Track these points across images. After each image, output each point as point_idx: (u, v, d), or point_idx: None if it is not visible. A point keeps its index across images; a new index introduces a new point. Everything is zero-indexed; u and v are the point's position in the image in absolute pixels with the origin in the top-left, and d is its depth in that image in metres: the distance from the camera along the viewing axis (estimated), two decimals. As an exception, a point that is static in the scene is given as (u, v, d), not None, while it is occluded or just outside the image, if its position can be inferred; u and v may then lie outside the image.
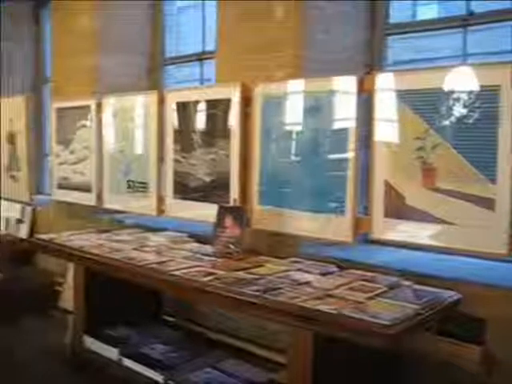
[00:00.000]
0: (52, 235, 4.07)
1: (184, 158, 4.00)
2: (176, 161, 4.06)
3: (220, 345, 3.78)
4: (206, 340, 3.88)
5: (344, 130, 3.13)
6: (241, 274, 2.96)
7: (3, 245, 5.32)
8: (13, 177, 6.32)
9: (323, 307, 2.36)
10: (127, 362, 3.54)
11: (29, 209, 6.18)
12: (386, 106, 2.95)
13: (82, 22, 5.28)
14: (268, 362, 3.48)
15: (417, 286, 2.77)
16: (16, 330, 4.77)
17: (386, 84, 2.95)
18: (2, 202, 6.61)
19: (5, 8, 7.02)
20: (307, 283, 2.79)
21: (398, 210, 2.91)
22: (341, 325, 2.26)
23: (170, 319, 4.25)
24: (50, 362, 4.15)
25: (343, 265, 3.19)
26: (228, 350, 3.68)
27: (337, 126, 3.19)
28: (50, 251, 4.03)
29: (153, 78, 5.39)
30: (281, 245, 3.54)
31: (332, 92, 3.19)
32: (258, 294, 2.59)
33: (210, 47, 4.82)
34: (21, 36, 7.17)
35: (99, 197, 4.84)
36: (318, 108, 3.25)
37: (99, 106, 4.79)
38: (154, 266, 3.20)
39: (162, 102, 4.19)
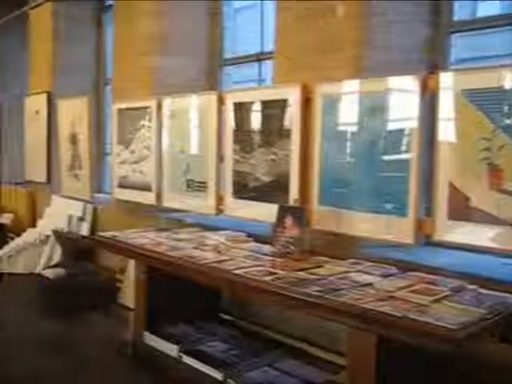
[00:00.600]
0: (114, 233, 4.16)
1: (243, 157, 4.03)
2: (235, 160, 4.10)
3: (276, 344, 3.80)
4: (263, 339, 3.90)
5: (406, 131, 3.10)
6: (301, 274, 2.97)
7: (66, 242, 5.49)
8: (75, 176, 6.51)
9: (387, 309, 2.34)
10: (186, 359, 3.59)
11: (90, 207, 6.36)
12: (450, 105, 2.89)
13: (143, 25, 5.39)
14: (325, 363, 3.47)
15: (482, 290, 2.70)
16: (78, 324, 4.91)
17: (450, 83, 2.89)
18: (65, 200, 6.82)
19: (68, 11, 7.25)
20: (369, 285, 2.76)
21: (462, 211, 2.85)
22: (405, 328, 2.23)
23: (227, 318, 4.28)
24: (111, 357, 4.24)
25: (403, 266, 3.15)
26: (284, 350, 3.69)
27: (398, 126, 3.16)
28: (113, 248, 4.13)
29: (211, 78, 5.46)
30: (339, 245, 3.52)
31: (393, 92, 3.15)
32: (319, 294, 2.58)
33: (268, 48, 4.84)
34: (83, 39, 7.39)
35: (158, 196, 4.93)
36: (378, 108, 3.22)
37: (159, 106, 4.88)
38: (214, 264, 3.24)
39: (221, 102, 4.23)
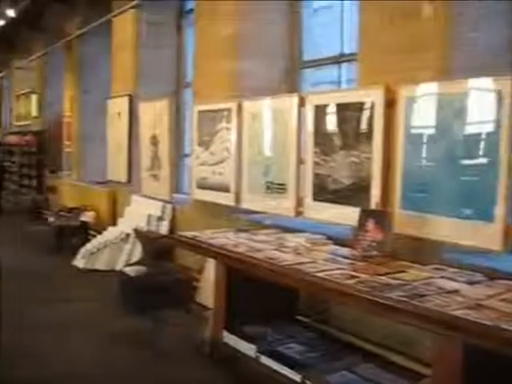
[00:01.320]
0: (194, 233, 4.25)
1: (324, 160, 4.02)
2: (316, 163, 4.09)
3: (354, 348, 3.76)
4: (341, 342, 3.87)
5: (494, 134, 2.99)
6: (384, 278, 2.93)
7: (146, 240, 5.65)
8: (154, 176, 6.69)
9: (476, 318, 2.28)
10: (264, 360, 3.61)
11: (169, 207, 6.51)
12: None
13: (223, 28, 5.47)
14: (404, 370, 3.40)
15: None
16: (157, 321, 5.03)
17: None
18: (145, 199, 7.02)
19: (149, 17, 7.47)
20: (455, 292, 2.69)
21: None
22: (496, 337, 2.17)
23: (305, 320, 4.28)
24: (189, 354, 4.33)
25: (489, 274, 3.05)
26: (362, 354, 3.65)
27: (484, 129, 3.05)
28: (194, 248, 4.21)
29: (290, 80, 5.47)
30: (421, 250, 3.45)
31: (481, 94, 3.06)
32: (404, 299, 2.54)
33: (347, 49, 4.82)
34: (163, 43, 7.59)
35: (237, 197, 4.99)
36: (463, 110, 3.13)
37: (239, 108, 4.94)
38: (296, 266, 3.25)
39: (302, 104, 4.24)
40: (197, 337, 4.56)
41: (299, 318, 4.30)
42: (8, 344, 4.26)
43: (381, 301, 2.59)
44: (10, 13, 9.84)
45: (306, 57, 5.48)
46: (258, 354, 3.66)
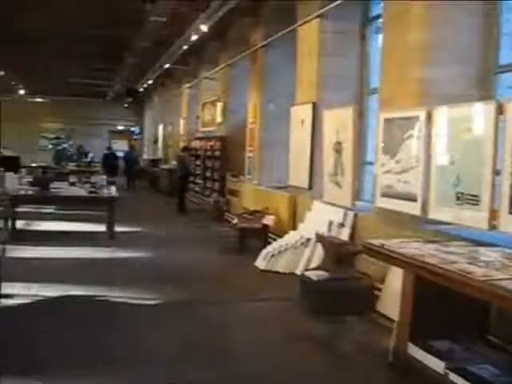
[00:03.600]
0: (382, 241, 4.21)
1: (525, 172, 3.77)
2: (513, 174, 3.85)
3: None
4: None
5: None
6: None
7: (329, 246, 5.71)
8: (336, 183, 6.75)
9: None
10: (454, 378, 3.47)
11: (351, 214, 6.53)
12: None
13: (413, 35, 5.37)
14: None
15: None
16: (338, 326, 5.08)
17: None
18: (325, 205, 7.12)
19: (334, 26, 7.58)
20: None
21: None
22: None
23: (496, 341, 4.05)
24: (370, 363, 4.31)
25: None
26: None
27: None
28: (381, 256, 4.17)
29: (484, 87, 5.21)
30: None
31: None
32: None
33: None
34: (347, 51, 7.66)
35: (424, 207, 4.86)
36: None
37: (429, 116, 4.80)
38: (495, 282, 3.08)
39: (500, 112, 4.01)
40: (378, 346, 4.53)
41: (490, 338, 4.08)
42: (197, 342, 4.61)
43: None
44: (204, 28, 10.53)
45: (504, 61, 5.18)
46: (447, 371, 3.54)
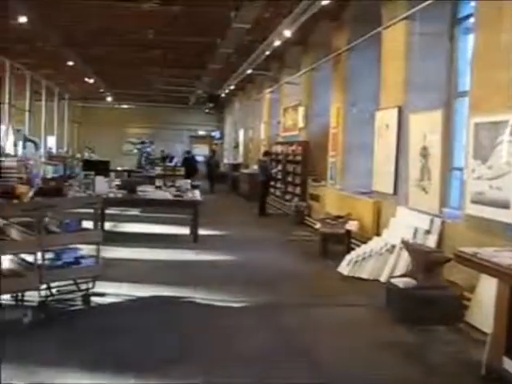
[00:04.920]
0: (475, 249, 4.06)
1: None
2: None
3: None
4: None
5: None
6: None
7: (416, 253, 5.59)
8: (423, 189, 6.59)
9: None
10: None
11: (438, 220, 6.34)
12: None
13: (508, 36, 5.16)
14: None
15: None
16: (426, 335, 4.96)
17: None
18: (411, 211, 6.97)
19: (421, 28, 7.39)
20: None
21: None
22: None
23: None
24: (463, 375, 4.18)
25: None
26: None
27: None
28: (474, 265, 4.03)
29: None
30: None
31: None
32: None
33: None
34: (434, 53, 7.44)
35: (518, 214, 4.67)
36: None
37: (525, 120, 4.62)
38: None
39: None
40: (468, 357, 4.39)
41: None
42: (284, 346, 4.63)
43: None
44: (287, 33, 10.55)
45: None
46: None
